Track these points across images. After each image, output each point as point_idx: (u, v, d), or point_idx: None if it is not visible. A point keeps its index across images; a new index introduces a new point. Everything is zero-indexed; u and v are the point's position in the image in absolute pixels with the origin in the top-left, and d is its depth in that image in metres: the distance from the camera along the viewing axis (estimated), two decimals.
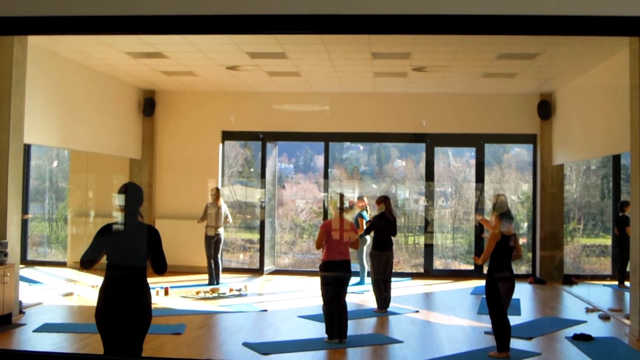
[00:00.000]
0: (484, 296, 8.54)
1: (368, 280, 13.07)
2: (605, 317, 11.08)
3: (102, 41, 11.17)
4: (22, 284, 10.87)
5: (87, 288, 12.34)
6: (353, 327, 9.86)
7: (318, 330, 9.73)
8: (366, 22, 4.30)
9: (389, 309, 11.43)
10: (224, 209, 14.14)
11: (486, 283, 8.29)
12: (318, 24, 4.38)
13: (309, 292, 13.15)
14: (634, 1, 4.12)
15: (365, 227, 13.19)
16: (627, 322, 10.22)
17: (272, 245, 16.59)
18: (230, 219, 14.48)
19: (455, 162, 18.44)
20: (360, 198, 14.56)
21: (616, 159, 14.89)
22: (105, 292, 5.52)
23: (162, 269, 5.63)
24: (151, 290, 5.71)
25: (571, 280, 14.63)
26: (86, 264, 5.61)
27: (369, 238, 13.09)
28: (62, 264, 15.91)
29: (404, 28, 4.53)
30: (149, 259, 5.64)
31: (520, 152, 18.02)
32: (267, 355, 8.52)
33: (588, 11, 4.13)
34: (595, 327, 10.28)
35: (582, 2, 4.15)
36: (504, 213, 8.33)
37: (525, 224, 16.51)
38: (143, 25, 4.51)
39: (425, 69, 12.89)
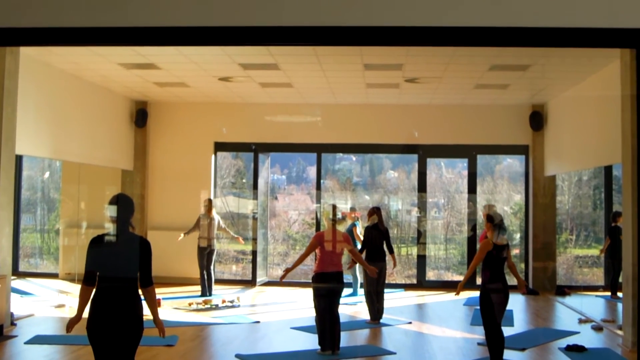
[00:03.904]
0: (477, 307, 8.53)
1: (361, 291, 13.06)
2: (598, 328, 11.09)
3: (94, 52, 11.16)
4: (13, 296, 10.82)
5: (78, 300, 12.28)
6: (346, 339, 9.85)
7: (311, 341, 9.70)
8: (358, 33, 4.31)
9: (381, 320, 11.42)
10: (217, 219, 14.11)
11: (480, 294, 8.28)
12: (310, 35, 4.39)
13: (301, 304, 13.12)
14: (625, 13, 4.15)
15: (360, 235, 13.18)
16: (619, 332, 10.23)
17: (265, 256, 16.57)
18: (223, 224, 14.39)
19: (447, 173, 18.46)
20: (352, 209, 14.56)
21: (608, 170, 14.93)
22: (96, 304, 5.49)
23: (147, 282, 5.60)
24: (143, 302, 5.69)
25: (564, 291, 14.64)
26: (89, 277, 5.56)
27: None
28: (54, 276, 15.85)
29: (397, 40, 4.55)
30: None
31: (513, 163, 18.07)
32: None
33: (580, 23, 4.15)
34: (588, 338, 10.29)
35: (574, 14, 4.17)
36: (496, 223, 8.33)
37: (518, 235, 16.53)
38: (136, 37, 4.52)
39: (417, 80, 12.92)
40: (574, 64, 11.66)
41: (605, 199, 15.36)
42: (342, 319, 9.40)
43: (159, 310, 11.44)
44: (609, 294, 13.84)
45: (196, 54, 11.32)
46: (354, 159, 19.21)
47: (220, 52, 11.10)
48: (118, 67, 12.28)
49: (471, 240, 15.56)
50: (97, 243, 5.62)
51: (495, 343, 8.20)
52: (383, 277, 11.60)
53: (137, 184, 15.83)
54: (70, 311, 11.75)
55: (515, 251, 15.78)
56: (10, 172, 10.00)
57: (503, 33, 4.22)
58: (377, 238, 11.54)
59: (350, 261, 11.55)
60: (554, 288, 14.95)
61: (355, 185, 18.98)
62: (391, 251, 11.84)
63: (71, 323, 5.60)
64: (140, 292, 5.61)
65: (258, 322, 11.50)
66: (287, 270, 9.61)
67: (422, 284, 15.75)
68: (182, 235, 14.14)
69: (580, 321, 11.69)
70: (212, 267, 14.00)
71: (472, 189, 16.07)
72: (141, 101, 15.87)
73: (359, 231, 13.50)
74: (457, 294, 8.76)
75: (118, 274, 5.59)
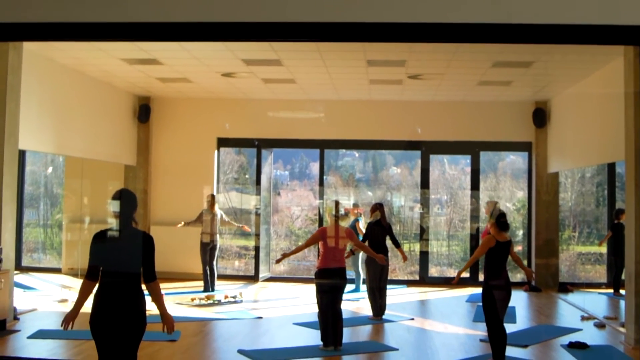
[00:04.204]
0: (480, 304, 8.54)
1: (363, 287, 13.07)
2: (600, 325, 11.09)
3: (97, 47, 11.16)
4: (16, 290, 10.85)
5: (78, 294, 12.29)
6: (348, 335, 9.86)
7: (313, 337, 9.72)
8: (361, 29, 4.31)
9: (384, 317, 11.42)
10: (220, 215, 14.13)
11: (482, 291, 8.28)
12: (313, 31, 4.39)
13: (304, 299, 13.13)
14: (628, 10, 4.14)
15: (362, 229, 13.19)
16: (622, 330, 10.22)
17: (268, 252, 16.58)
18: (226, 217, 14.47)
19: (450, 170, 18.45)
20: (355, 205, 14.57)
21: (611, 167, 14.92)
22: (99, 299, 5.50)
23: (150, 278, 5.61)
24: (146, 297, 5.70)
25: (566, 288, 14.63)
26: (92, 272, 5.55)
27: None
28: (57, 270, 15.85)
29: (400, 36, 4.54)
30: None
31: (516, 160, 18.05)
32: None
33: (583, 20, 4.15)
34: (590, 335, 10.28)
35: (577, 11, 4.16)
36: (500, 220, 8.32)
37: (521, 232, 16.52)
38: (138, 32, 4.52)
39: (420, 76, 12.91)
40: (577, 61, 11.64)
41: (608, 196, 15.35)
42: (344, 315, 9.41)
43: None
44: (611, 291, 13.83)
45: (199, 50, 11.31)
46: (356, 155, 19.20)
47: (223, 48, 11.10)
48: (121, 62, 12.28)
49: (474, 237, 15.57)
50: (100, 238, 5.63)
51: (497, 339, 8.21)
52: (385, 273, 11.60)
53: (140, 179, 15.85)
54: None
55: (517, 248, 15.77)
56: (14, 167, 10.01)
57: (506, 30, 4.21)
58: (380, 234, 11.53)
59: (348, 251, 11.57)
60: (556, 285, 14.94)
61: (358, 181, 18.98)
62: (398, 245, 11.88)
63: (68, 318, 5.58)
64: (143, 287, 5.62)
65: (260, 317, 11.50)
66: (285, 255, 9.69)
67: (424, 280, 15.75)
68: (182, 223, 14.18)
69: (583, 318, 11.69)
70: (214, 263, 14.02)
71: (475, 186, 16.08)
72: (144, 96, 15.88)
73: (362, 225, 13.53)
74: (455, 282, 8.91)
75: (121, 269, 5.59)
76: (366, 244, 11.29)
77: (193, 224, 14.13)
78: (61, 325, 5.56)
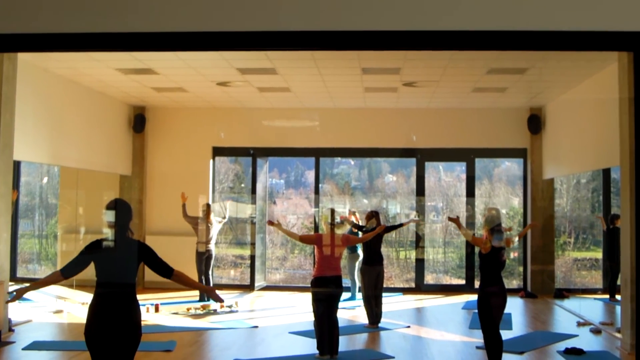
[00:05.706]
0: (476, 311, 8.54)
1: (359, 295, 13.05)
2: (596, 331, 11.08)
3: (92, 57, 11.16)
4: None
5: (76, 305, 12.26)
6: (344, 343, 9.83)
7: (309, 346, 9.69)
8: (356, 38, 4.31)
9: (380, 325, 11.40)
10: (215, 223, 14.08)
11: (478, 297, 8.28)
12: (308, 40, 4.39)
13: (300, 308, 13.11)
14: (623, 16, 4.15)
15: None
16: (618, 335, 10.22)
17: (263, 261, 16.55)
18: (219, 218, 14.44)
19: (445, 177, 18.45)
20: (352, 213, 14.56)
21: (606, 172, 14.93)
22: (95, 309, 5.49)
23: (168, 272, 5.66)
24: (141, 307, 5.68)
25: (562, 294, 14.64)
26: (68, 272, 5.57)
27: (361, 253, 13.05)
28: None
29: (394, 44, 4.54)
30: (145, 273, 5.63)
31: (511, 167, 18.07)
32: None
33: (577, 26, 4.15)
34: (586, 341, 10.29)
35: (572, 17, 4.17)
36: (494, 227, 8.34)
37: (515, 239, 16.50)
38: (134, 42, 4.51)
39: (415, 84, 12.93)
40: (572, 67, 11.67)
41: (604, 201, 15.36)
42: (340, 323, 9.38)
43: (157, 315, 11.42)
44: (607, 296, 13.83)
45: (194, 59, 11.31)
46: (352, 163, 19.20)
47: (218, 57, 11.10)
48: (116, 72, 12.28)
49: (469, 244, 15.56)
50: (95, 248, 5.62)
51: (493, 346, 8.20)
52: (381, 281, 11.59)
53: (135, 189, 15.83)
54: (69, 317, 11.74)
55: (513, 254, 15.79)
56: (9, 177, 10.00)
57: (500, 37, 4.21)
58: (376, 242, 11.50)
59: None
60: (552, 291, 14.94)
61: (353, 189, 18.97)
62: (401, 224, 12.18)
63: (19, 292, 5.55)
64: (137, 297, 5.61)
65: (256, 326, 11.48)
66: (279, 225, 9.67)
67: (420, 287, 15.73)
68: (185, 202, 13.86)
69: (579, 324, 11.69)
70: (210, 272, 13.98)
71: (470, 193, 16.09)
72: (139, 106, 15.87)
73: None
74: (449, 219, 9.21)
75: (116, 279, 5.59)
76: (360, 248, 11.31)
77: (185, 216, 13.88)
78: (8, 300, 5.53)
